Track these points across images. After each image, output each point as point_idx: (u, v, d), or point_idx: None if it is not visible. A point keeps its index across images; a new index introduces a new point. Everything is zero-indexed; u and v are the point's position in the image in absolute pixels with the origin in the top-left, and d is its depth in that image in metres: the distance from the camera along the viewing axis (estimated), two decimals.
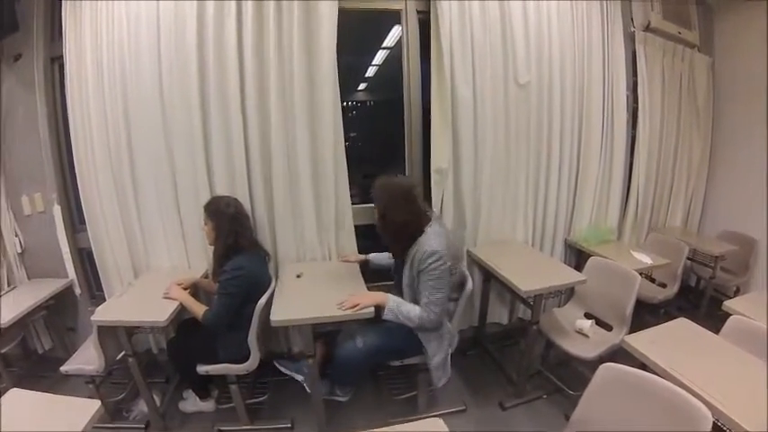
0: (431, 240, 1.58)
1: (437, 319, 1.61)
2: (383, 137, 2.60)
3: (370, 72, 2.64)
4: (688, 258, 2.59)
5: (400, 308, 1.61)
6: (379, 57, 2.58)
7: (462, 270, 1.90)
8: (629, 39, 2.54)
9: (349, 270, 2.02)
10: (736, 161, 2.93)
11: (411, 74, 2.23)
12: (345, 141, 2.12)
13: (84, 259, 2.34)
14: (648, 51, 2.60)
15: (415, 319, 1.60)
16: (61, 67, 2.05)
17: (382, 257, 2.04)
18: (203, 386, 1.97)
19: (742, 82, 2.82)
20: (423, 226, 1.63)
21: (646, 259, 2.25)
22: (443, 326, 1.70)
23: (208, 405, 1.99)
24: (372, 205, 1.71)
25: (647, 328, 1.53)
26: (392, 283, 1.91)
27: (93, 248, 2.15)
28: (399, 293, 1.74)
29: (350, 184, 2.17)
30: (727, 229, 2.93)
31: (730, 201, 2.98)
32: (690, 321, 1.55)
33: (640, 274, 1.91)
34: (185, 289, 1.85)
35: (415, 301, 1.66)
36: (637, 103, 2.62)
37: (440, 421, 1.06)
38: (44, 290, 2.14)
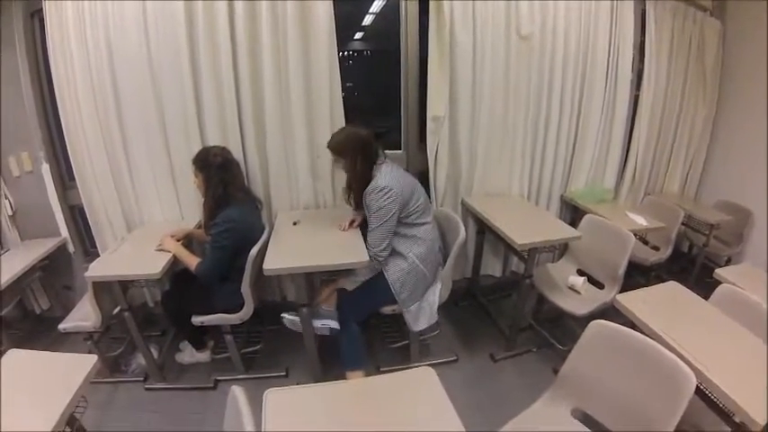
0: (381, 179, 1.65)
1: (381, 252, 1.66)
2: (380, 86, 2.55)
3: (367, 21, 2.54)
4: (683, 224, 2.59)
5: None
6: (377, 5, 2.47)
7: (451, 214, 1.93)
8: None
9: (345, 216, 1.98)
10: (739, 131, 2.87)
11: (409, 22, 2.14)
12: (341, 91, 2.05)
13: (77, 216, 2.32)
14: (658, 11, 2.48)
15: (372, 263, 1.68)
16: (41, 21, 1.94)
17: None
18: (199, 337, 2.00)
19: (753, 51, 2.71)
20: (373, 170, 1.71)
21: (641, 221, 2.25)
22: (406, 261, 1.73)
23: (204, 356, 2.04)
24: None
25: (637, 288, 1.54)
26: None
27: (84, 205, 2.12)
28: None
29: None
30: (724, 198, 2.91)
31: (730, 171, 2.94)
32: (680, 285, 1.56)
33: (634, 235, 1.91)
34: (178, 241, 1.84)
35: None
36: (642, 64, 2.54)
37: (431, 370, 1.08)
38: (38, 250, 2.14)
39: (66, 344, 2.09)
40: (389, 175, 1.67)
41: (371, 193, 1.64)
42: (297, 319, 1.80)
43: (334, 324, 1.77)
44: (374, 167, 1.70)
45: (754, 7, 2.66)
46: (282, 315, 1.88)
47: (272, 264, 1.60)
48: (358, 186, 1.72)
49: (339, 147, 1.70)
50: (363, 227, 1.90)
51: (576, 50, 2.28)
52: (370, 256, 1.65)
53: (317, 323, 1.78)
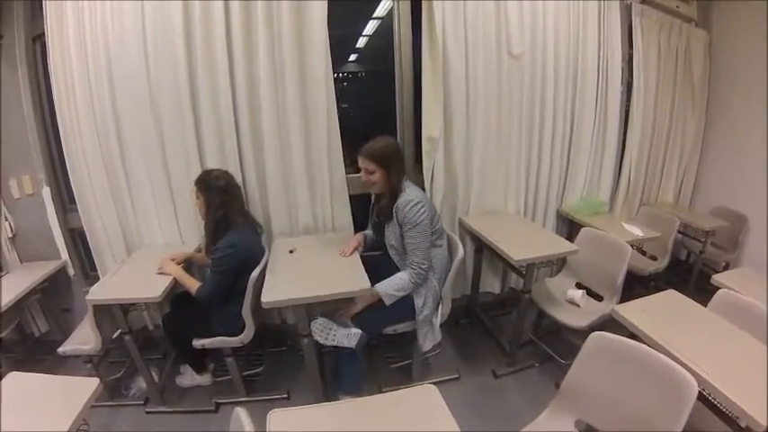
0: (411, 193, 1.65)
1: (426, 270, 1.66)
2: (374, 107, 2.59)
3: (361, 43, 2.61)
4: (679, 232, 2.61)
5: (390, 287, 1.64)
6: (370, 27, 2.54)
7: (449, 233, 1.92)
8: (626, 10, 2.49)
9: (345, 241, 1.96)
10: (730, 138, 2.92)
11: (402, 43, 2.19)
12: (337, 113, 2.08)
13: (77, 239, 2.33)
14: (645, 24, 2.55)
15: (408, 284, 1.65)
16: (43, 45, 1.98)
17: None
18: (199, 360, 2.00)
19: (739, 59, 2.78)
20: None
21: (637, 231, 2.27)
22: (429, 281, 1.73)
23: (204, 379, 2.02)
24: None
25: (637, 299, 1.54)
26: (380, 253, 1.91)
27: (84, 228, 2.13)
28: (387, 256, 1.79)
29: (342, 154, 2.13)
30: (719, 205, 2.95)
31: (723, 178, 2.98)
32: (678, 293, 1.56)
33: (631, 246, 1.93)
34: (179, 264, 1.85)
35: (402, 254, 1.71)
36: (631, 77, 2.60)
37: (433, 387, 1.08)
38: (37, 273, 2.14)
39: (64, 367, 2.07)
40: (419, 192, 1.67)
41: (408, 207, 1.59)
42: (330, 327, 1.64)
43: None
44: (401, 182, 1.68)
45: (740, 17, 2.74)
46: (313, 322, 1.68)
47: (270, 296, 1.53)
48: (388, 200, 1.68)
49: (379, 154, 1.61)
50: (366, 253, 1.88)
51: (566, 66, 2.33)
52: (414, 274, 1.62)
53: (347, 332, 1.64)
